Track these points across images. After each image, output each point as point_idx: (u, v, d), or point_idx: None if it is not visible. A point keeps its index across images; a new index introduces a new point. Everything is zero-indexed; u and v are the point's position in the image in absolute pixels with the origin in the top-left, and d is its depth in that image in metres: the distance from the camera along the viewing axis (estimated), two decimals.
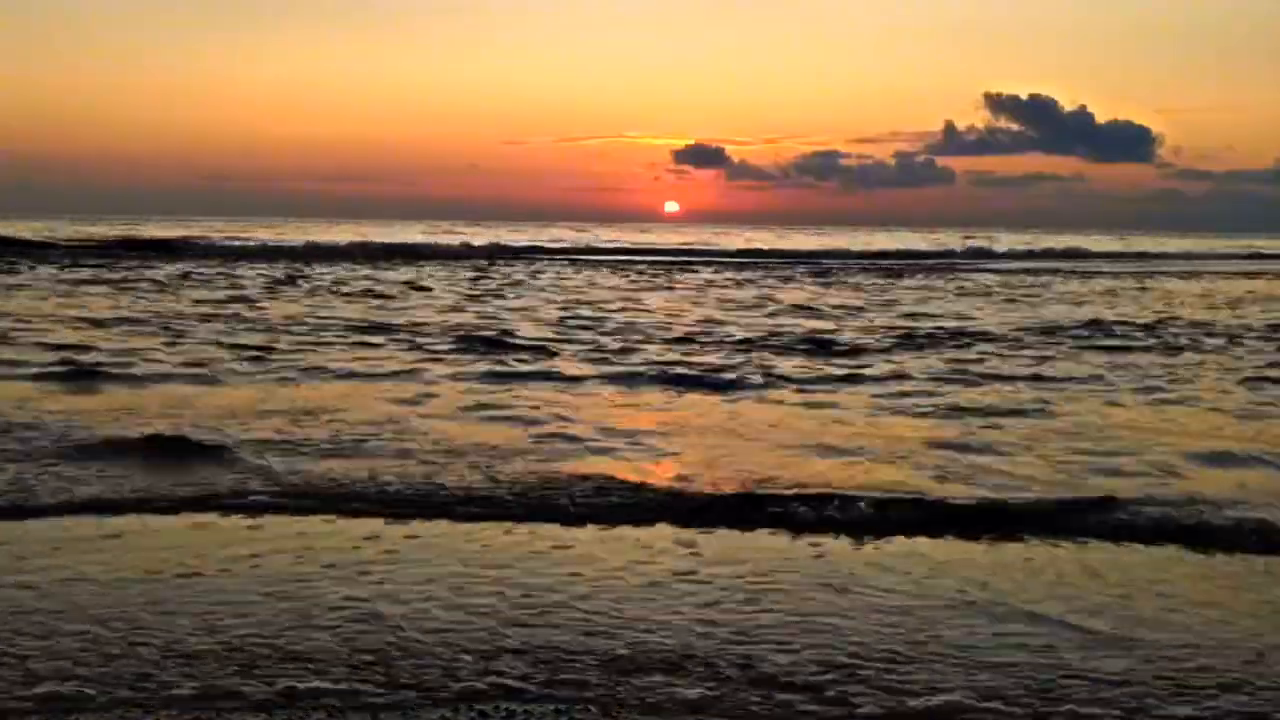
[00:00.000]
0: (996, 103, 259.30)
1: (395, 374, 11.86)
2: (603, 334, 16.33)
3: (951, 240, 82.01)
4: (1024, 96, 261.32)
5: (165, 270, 30.87)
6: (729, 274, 36.47)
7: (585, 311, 20.10)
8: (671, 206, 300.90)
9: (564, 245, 60.14)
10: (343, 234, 69.97)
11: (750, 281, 31.86)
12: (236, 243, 50.86)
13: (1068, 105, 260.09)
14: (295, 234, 68.02)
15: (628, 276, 33.46)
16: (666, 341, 15.53)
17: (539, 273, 34.75)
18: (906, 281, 33.12)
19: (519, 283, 29.10)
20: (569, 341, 15.26)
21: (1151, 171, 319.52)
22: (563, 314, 19.45)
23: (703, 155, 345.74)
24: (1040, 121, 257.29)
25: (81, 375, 11.14)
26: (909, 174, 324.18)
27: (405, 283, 27.69)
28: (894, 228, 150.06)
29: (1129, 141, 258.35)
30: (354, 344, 14.44)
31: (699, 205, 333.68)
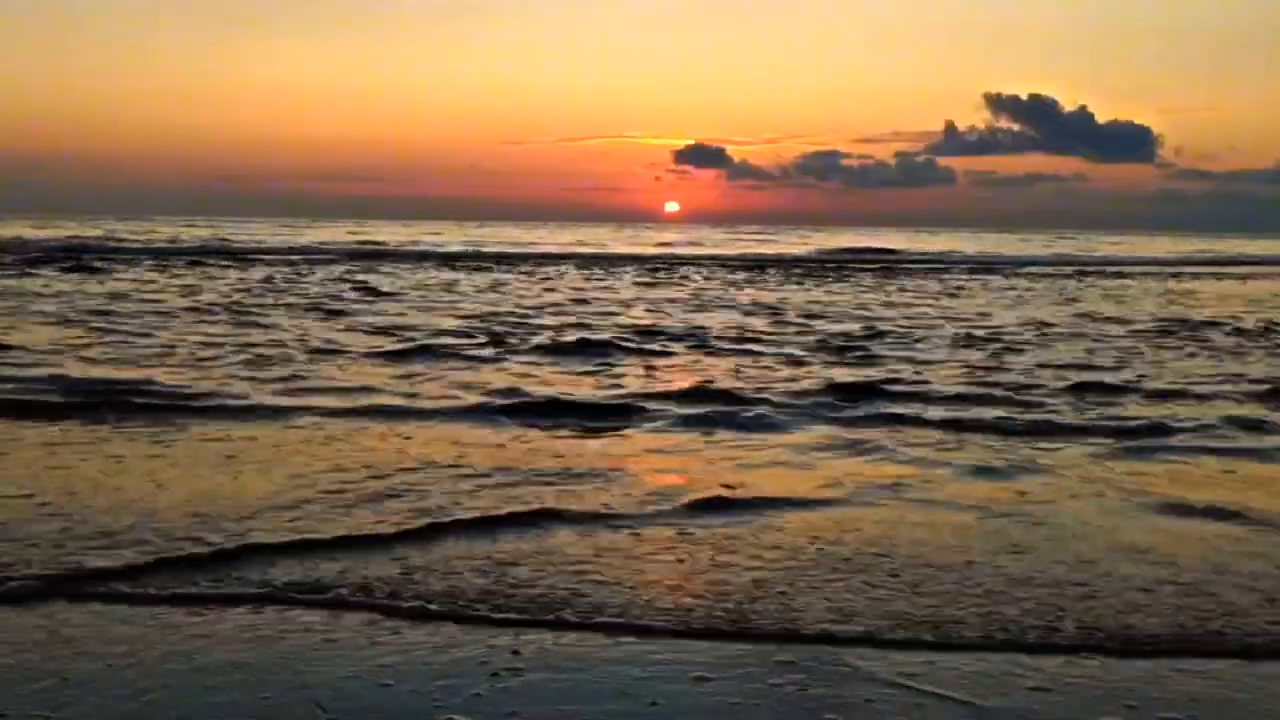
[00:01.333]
0: (997, 103, 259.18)
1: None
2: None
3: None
4: (1024, 96, 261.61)
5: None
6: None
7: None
8: (672, 206, 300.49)
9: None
10: (333, 234, 68.98)
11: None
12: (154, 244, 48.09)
13: (1068, 105, 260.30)
14: (284, 235, 67.09)
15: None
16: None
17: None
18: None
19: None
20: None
21: (1152, 171, 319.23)
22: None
23: (703, 155, 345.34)
24: (1041, 121, 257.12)
25: None
26: (910, 174, 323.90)
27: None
28: (907, 228, 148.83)
29: (1130, 141, 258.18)
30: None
31: (699, 205, 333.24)
